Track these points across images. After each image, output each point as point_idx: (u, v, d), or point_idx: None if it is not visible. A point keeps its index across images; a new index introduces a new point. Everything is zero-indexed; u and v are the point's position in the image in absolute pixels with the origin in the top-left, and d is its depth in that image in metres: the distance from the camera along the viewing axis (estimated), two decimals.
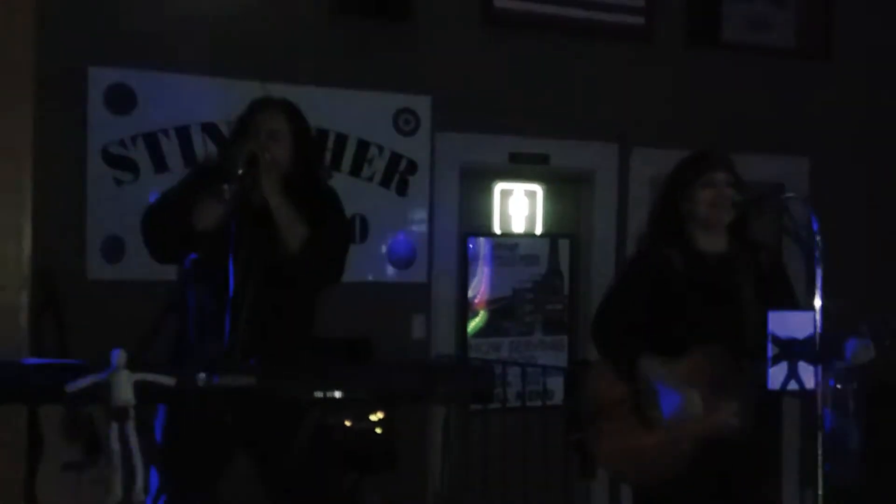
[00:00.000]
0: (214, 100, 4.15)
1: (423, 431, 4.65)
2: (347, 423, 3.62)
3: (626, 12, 5.04)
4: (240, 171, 2.64)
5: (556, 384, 4.88)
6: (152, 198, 4.11)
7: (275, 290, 2.69)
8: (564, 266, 5.22)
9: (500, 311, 5.10)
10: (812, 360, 2.36)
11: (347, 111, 4.55)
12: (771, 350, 2.53)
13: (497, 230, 5.13)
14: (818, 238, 2.42)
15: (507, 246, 5.13)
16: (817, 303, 2.36)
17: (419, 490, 4.64)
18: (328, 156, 4.52)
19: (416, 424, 4.58)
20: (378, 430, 3.74)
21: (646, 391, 2.94)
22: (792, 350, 2.49)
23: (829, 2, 5.48)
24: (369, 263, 4.64)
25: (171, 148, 4.24)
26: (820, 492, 2.33)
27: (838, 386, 2.51)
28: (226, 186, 2.63)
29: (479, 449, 4.70)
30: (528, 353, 5.12)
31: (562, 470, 4.47)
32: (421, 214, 4.73)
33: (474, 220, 5.06)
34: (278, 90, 4.04)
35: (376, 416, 3.73)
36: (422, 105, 4.69)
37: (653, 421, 2.95)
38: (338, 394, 2.31)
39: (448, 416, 4.62)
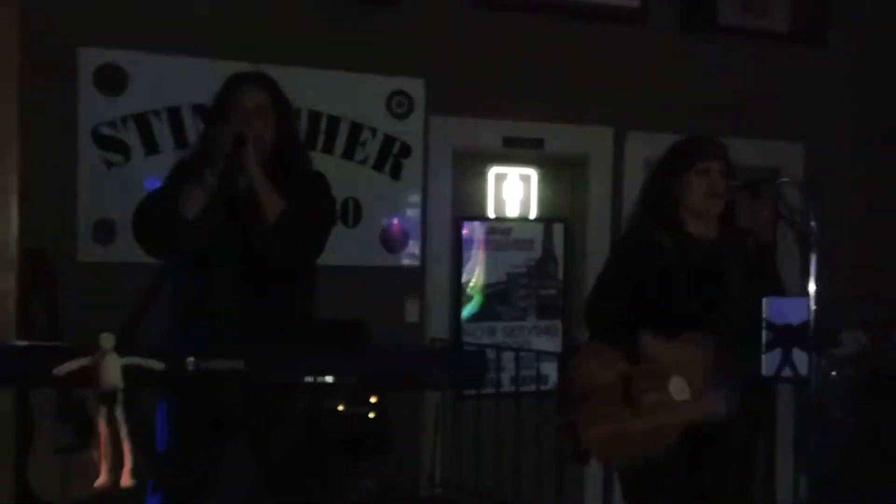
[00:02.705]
0: (206, 81, 4.02)
1: (417, 416, 4.64)
2: (340, 408, 3.61)
3: None
4: (226, 153, 2.60)
5: (550, 369, 4.86)
6: (144, 180, 4.10)
7: (259, 272, 2.65)
8: (559, 250, 5.20)
9: (495, 295, 5.09)
10: (805, 347, 2.35)
11: (340, 94, 4.52)
12: (765, 336, 2.52)
13: (491, 214, 5.11)
14: (812, 224, 2.40)
15: (501, 230, 5.11)
16: (811, 288, 2.35)
17: (413, 475, 4.64)
18: (321, 138, 4.49)
19: (410, 409, 4.57)
20: (371, 415, 3.73)
21: (647, 371, 2.92)
22: (786, 336, 2.48)
23: None
24: (363, 247, 4.62)
25: (162, 129, 4.21)
26: (813, 479, 2.32)
27: (832, 373, 2.50)
28: (209, 171, 2.59)
29: (472, 433, 4.70)
30: (522, 338, 5.11)
31: (555, 455, 4.47)
32: (414, 198, 4.71)
33: (468, 204, 5.04)
34: (271, 72, 3.96)
35: (370, 401, 3.71)
36: (415, 88, 4.66)
37: (643, 407, 2.94)
38: (329, 378, 2.29)
39: (441, 400, 4.61)
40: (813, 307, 2.34)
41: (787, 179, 2.56)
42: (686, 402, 2.88)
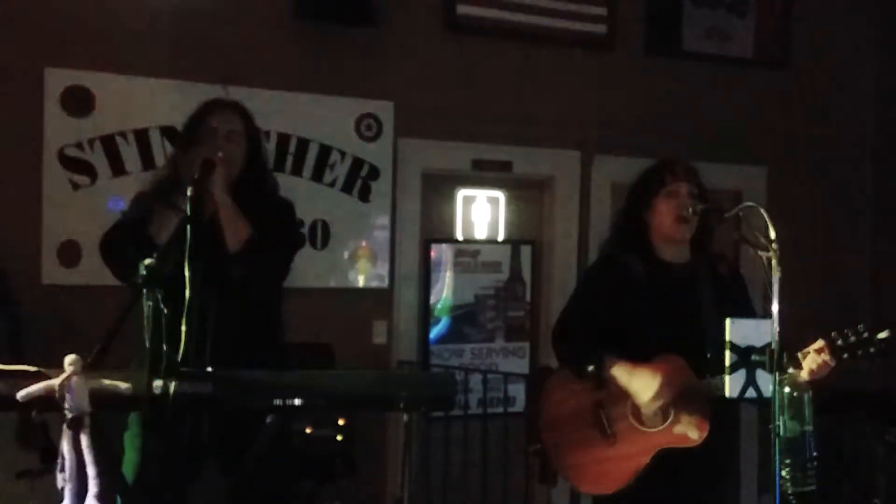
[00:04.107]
0: (174, 103, 4.09)
1: (383, 437, 4.63)
2: (308, 430, 3.60)
3: (588, 20, 5.07)
4: (195, 176, 2.62)
5: (518, 391, 4.89)
6: (110, 202, 4.08)
7: (227, 296, 2.66)
8: (526, 272, 5.23)
9: (463, 317, 5.10)
10: (769, 369, 2.38)
11: (309, 116, 4.53)
12: (729, 358, 2.55)
13: (459, 236, 5.13)
14: (775, 246, 2.44)
15: (470, 252, 5.13)
16: (775, 310, 2.38)
17: (379, 497, 4.62)
18: (290, 160, 4.49)
19: (377, 431, 4.56)
20: (339, 438, 3.72)
21: (615, 397, 2.94)
22: (750, 358, 2.51)
23: (787, 11, 5.56)
24: (331, 269, 4.62)
25: (129, 151, 4.19)
26: (777, 500, 2.35)
27: (794, 394, 2.53)
28: (179, 196, 2.60)
29: (440, 455, 4.69)
30: (489, 360, 5.13)
31: (522, 476, 4.47)
32: (383, 220, 4.72)
33: (437, 226, 5.06)
34: (240, 94, 4.01)
35: (337, 424, 3.70)
36: (384, 111, 4.68)
37: (616, 434, 2.95)
38: (297, 401, 2.29)
39: (409, 422, 4.60)
40: (777, 329, 2.37)
41: (752, 203, 2.59)
42: (658, 429, 2.89)
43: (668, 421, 2.90)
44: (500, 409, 4.75)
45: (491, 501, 4.58)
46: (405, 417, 4.48)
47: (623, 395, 2.93)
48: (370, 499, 4.49)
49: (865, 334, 2.65)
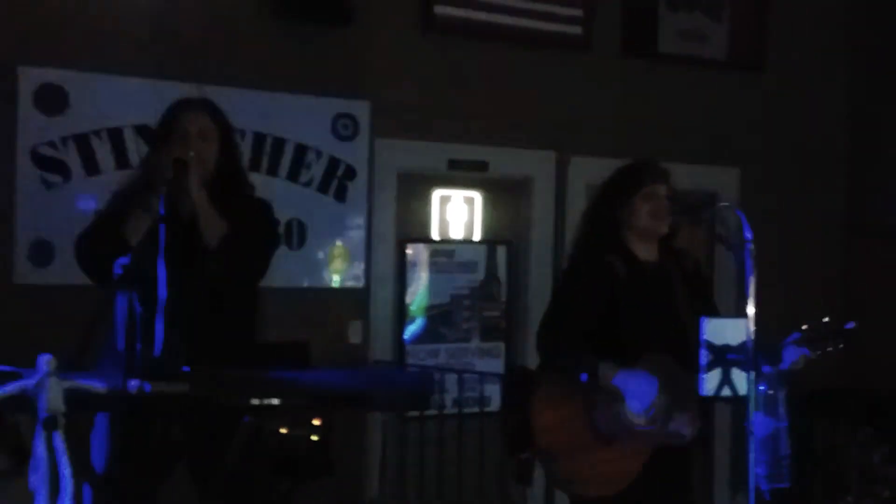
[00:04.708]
0: (148, 102, 4.04)
1: (359, 437, 4.62)
2: (283, 430, 3.58)
3: (564, 22, 5.09)
4: (168, 176, 2.60)
5: (493, 391, 4.89)
6: (81, 202, 4.04)
7: (203, 295, 2.65)
8: (502, 273, 5.24)
9: (438, 317, 5.10)
10: (745, 367, 2.40)
11: (285, 115, 4.51)
12: (704, 357, 2.56)
13: (435, 236, 5.13)
14: (751, 246, 2.46)
15: (445, 252, 5.13)
16: (750, 310, 2.40)
17: (355, 496, 4.61)
18: (265, 160, 4.47)
19: (353, 431, 4.55)
20: (314, 437, 3.70)
21: (608, 400, 2.94)
22: (725, 356, 2.53)
23: (763, 14, 5.61)
24: (307, 269, 4.60)
25: (103, 150, 4.15)
26: (751, 497, 2.37)
27: (769, 392, 2.56)
28: (153, 196, 2.59)
29: (415, 454, 4.69)
30: (465, 360, 5.13)
31: (498, 476, 4.48)
32: (359, 220, 4.71)
33: (412, 226, 5.05)
34: (215, 93, 3.97)
35: (312, 423, 3.68)
36: (360, 110, 4.67)
37: (609, 435, 2.94)
38: (275, 401, 2.28)
39: (385, 422, 4.60)
40: (752, 328, 2.39)
41: (727, 203, 2.62)
42: (653, 428, 2.90)
43: (662, 419, 2.90)
44: (476, 409, 4.75)
45: (466, 500, 4.58)
46: (381, 417, 4.53)
47: (616, 396, 2.92)
48: (346, 498, 4.48)
49: (833, 326, 2.79)
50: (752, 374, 2.36)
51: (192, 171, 2.66)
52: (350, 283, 4.71)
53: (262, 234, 2.87)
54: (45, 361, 2.07)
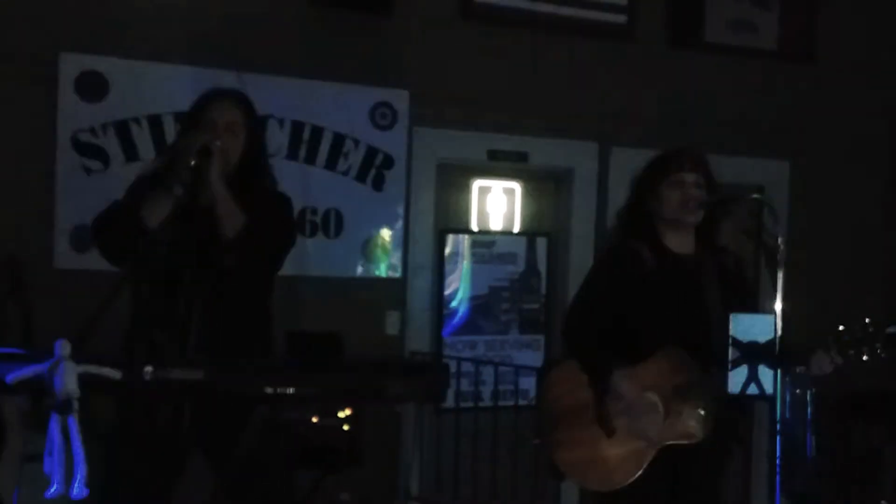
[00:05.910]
0: (188, 89, 4.06)
1: (395, 429, 4.60)
2: (314, 420, 3.58)
3: (608, 10, 5.00)
4: (192, 163, 2.60)
5: (529, 384, 4.84)
6: (121, 188, 4.08)
7: (218, 284, 2.65)
8: (542, 265, 5.18)
9: (477, 308, 5.06)
10: (772, 365, 2.33)
11: (324, 104, 4.50)
12: (732, 353, 2.50)
13: (474, 227, 5.09)
14: (780, 241, 2.39)
15: (485, 243, 5.09)
16: (778, 306, 2.33)
17: (389, 488, 4.60)
18: (304, 148, 4.48)
19: (387, 422, 4.54)
20: (345, 427, 3.70)
21: (615, 402, 2.90)
22: (752, 353, 2.46)
23: (813, 4, 5.46)
24: (344, 258, 4.60)
25: (142, 137, 4.19)
26: (777, 496, 2.30)
27: (797, 391, 2.48)
28: (175, 181, 2.59)
29: (450, 447, 4.66)
30: (503, 353, 5.09)
31: (532, 469, 4.43)
32: (397, 210, 4.69)
33: (451, 216, 5.02)
34: (253, 81, 4.01)
35: (344, 413, 3.68)
36: (399, 99, 4.65)
37: (618, 430, 2.91)
38: (290, 390, 2.27)
39: (418, 413, 4.58)
40: (780, 324, 2.32)
41: (758, 195, 2.54)
42: (662, 425, 2.85)
43: (671, 417, 2.85)
44: (512, 402, 4.71)
45: (501, 493, 4.55)
46: (414, 408, 4.51)
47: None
48: (381, 490, 4.47)
49: (871, 329, 2.59)
50: (779, 372, 2.28)
51: (215, 160, 2.66)
52: (387, 274, 4.70)
53: (279, 229, 2.87)
54: (61, 345, 2.08)
